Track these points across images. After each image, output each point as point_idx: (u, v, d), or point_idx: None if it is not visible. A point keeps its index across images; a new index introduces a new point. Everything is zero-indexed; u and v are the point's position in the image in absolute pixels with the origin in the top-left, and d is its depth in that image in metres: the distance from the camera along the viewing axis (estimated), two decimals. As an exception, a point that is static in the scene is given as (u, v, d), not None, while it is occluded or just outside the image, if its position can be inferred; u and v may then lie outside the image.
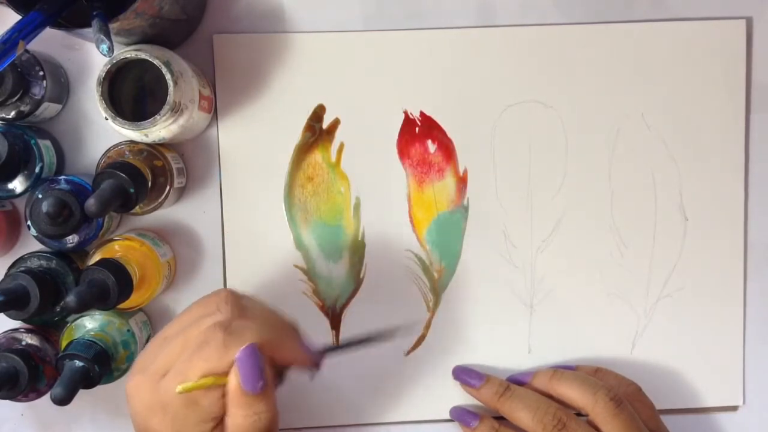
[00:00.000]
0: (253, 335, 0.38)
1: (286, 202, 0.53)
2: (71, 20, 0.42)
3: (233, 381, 0.38)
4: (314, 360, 0.42)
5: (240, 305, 0.40)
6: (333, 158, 0.53)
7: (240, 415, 0.38)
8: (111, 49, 0.40)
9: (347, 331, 0.53)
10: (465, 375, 0.52)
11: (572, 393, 0.49)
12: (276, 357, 0.39)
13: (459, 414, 0.52)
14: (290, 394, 0.53)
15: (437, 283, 0.53)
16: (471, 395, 0.52)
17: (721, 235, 0.54)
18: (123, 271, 0.45)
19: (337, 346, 0.49)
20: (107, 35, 0.39)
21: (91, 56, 0.52)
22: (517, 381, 0.52)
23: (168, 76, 0.44)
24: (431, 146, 0.53)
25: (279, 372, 0.42)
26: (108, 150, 0.49)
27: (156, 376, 0.38)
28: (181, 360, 0.38)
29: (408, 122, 0.53)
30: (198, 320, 0.39)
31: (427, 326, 0.53)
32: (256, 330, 0.39)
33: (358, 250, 0.53)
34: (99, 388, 0.47)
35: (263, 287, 0.53)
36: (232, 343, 0.38)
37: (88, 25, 0.40)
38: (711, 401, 0.55)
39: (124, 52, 0.45)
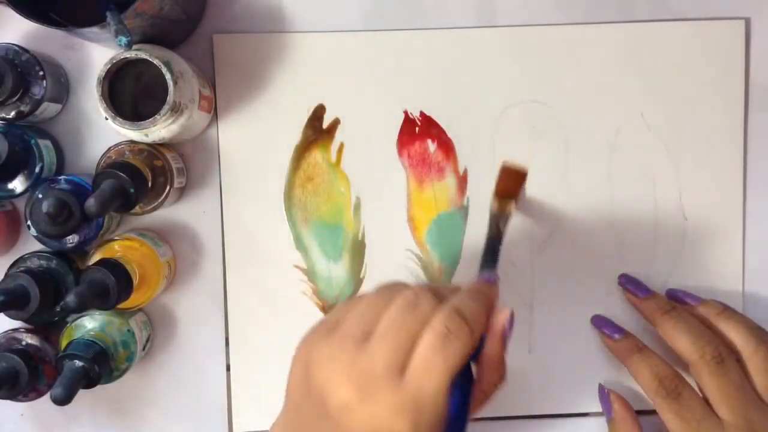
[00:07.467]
0: (476, 305, 0.38)
1: (286, 202, 0.53)
2: (72, 20, 0.42)
3: (494, 348, 0.39)
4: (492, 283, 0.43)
5: (433, 289, 0.39)
6: (333, 158, 0.53)
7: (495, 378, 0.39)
8: (130, 43, 0.40)
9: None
10: (633, 286, 0.52)
11: (736, 337, 0.47)
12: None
13: (602, 323, 0.52)
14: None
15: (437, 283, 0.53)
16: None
17: (721, 235, 0.54)
18: (123, 271, 0.45)
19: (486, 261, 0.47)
20: (125, 28, 0.39)
21: (91, 56, 0.52)
22: (679, 299, 0.51)
23: (168, 76, 0.44)
24: (431, 146, 0.53)
25: None
26: (108, 150, 0.49)
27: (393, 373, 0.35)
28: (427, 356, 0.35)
29: (408, 122, 0.53)
30: (403, 319, 0.36)
31: (427, 326, 0.53)
32: (468, 298, 0.38)
33: (358, 250, 0.53)
34: (99, 388, 0.47)
35: (263, 287, 0.53)
36: (471, 320, 0.37)
37: (89, 24, 0.40)
38: (711, 401, 0.55)
39: (124, 52, 0.45)
